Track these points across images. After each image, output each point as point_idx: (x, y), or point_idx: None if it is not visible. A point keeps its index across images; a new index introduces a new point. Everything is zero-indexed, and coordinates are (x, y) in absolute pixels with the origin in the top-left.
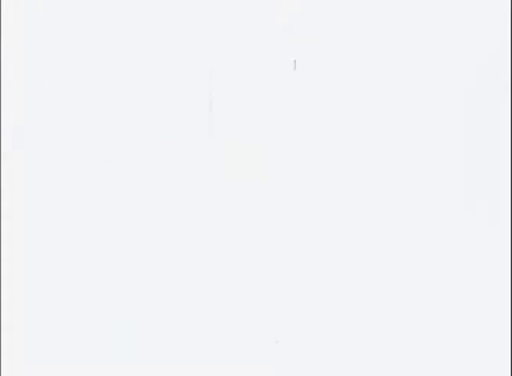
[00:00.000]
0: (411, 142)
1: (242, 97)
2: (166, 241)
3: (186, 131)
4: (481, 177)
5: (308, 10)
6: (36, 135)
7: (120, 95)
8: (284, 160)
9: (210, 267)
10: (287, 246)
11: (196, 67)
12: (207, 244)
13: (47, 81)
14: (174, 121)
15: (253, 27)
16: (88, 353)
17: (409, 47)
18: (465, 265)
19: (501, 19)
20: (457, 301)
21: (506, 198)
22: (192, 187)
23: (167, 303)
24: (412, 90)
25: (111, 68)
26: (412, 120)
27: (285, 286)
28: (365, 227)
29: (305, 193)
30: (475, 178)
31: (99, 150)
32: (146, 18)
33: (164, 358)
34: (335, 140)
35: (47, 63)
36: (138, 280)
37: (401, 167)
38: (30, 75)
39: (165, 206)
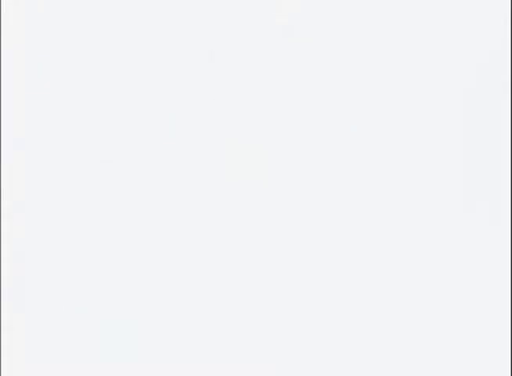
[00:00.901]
0: (411, 143)
1: (240, 96)
2: (165, 241)
3: (186, 130)
4: (481, 177)
5: (309, 10)
6: (36, 136)
7: (118, 95)
8: (279, 160)
9: (210, 265)
10: (280, 245)
11: (196, 67)
12: (203, 244)
13: (47, 80)
14: (173, 120)
15: (254, 25)
16: (88, 353)
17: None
18: (464, 264)
19: (501, 19)
20: (456, 299)
21: (506, 198)
22: (187, 186)
23: (165, 301)
24: (413, 91)
25: (110, 69)
26: (412, 121)
27: (283, 284)
28: (365, 227)
29: (303, 191)
30: (475, 178)
31: (98, 150)
32: (143, 19)
33: (164, 357)
34: (338, 140)
35: (47, 60)
36: (137, 279)
37: (400, 167)
38: (31, 76)
39: (164, 206)
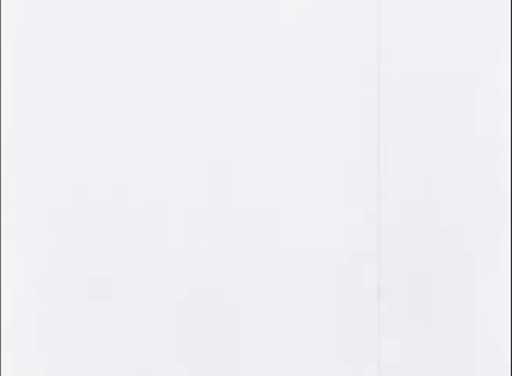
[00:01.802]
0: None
1: None
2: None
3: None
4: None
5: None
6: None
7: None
8: None
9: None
10: None
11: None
12: None
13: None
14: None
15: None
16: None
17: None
18: None
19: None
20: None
21: (506, 198)
22: None
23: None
24: None
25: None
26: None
27: None
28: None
29: None
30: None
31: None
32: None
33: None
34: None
35: (48, 60)
36: (134, 281)
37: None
38: (32, 75)
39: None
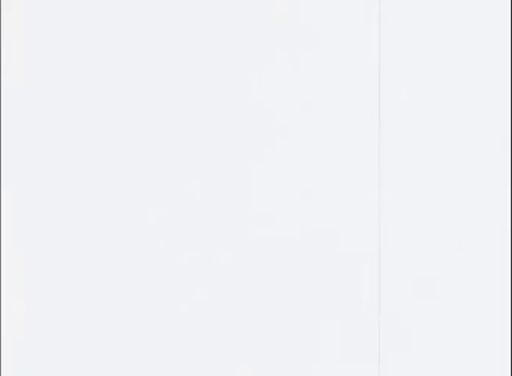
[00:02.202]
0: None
1: None
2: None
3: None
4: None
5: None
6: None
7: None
8: None
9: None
10: None
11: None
12: None
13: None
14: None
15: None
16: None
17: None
18: None
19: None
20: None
21: (506, 198)
22: None
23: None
24: None
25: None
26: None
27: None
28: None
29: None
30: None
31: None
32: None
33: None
34: None
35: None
36: (134, 282)
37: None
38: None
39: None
